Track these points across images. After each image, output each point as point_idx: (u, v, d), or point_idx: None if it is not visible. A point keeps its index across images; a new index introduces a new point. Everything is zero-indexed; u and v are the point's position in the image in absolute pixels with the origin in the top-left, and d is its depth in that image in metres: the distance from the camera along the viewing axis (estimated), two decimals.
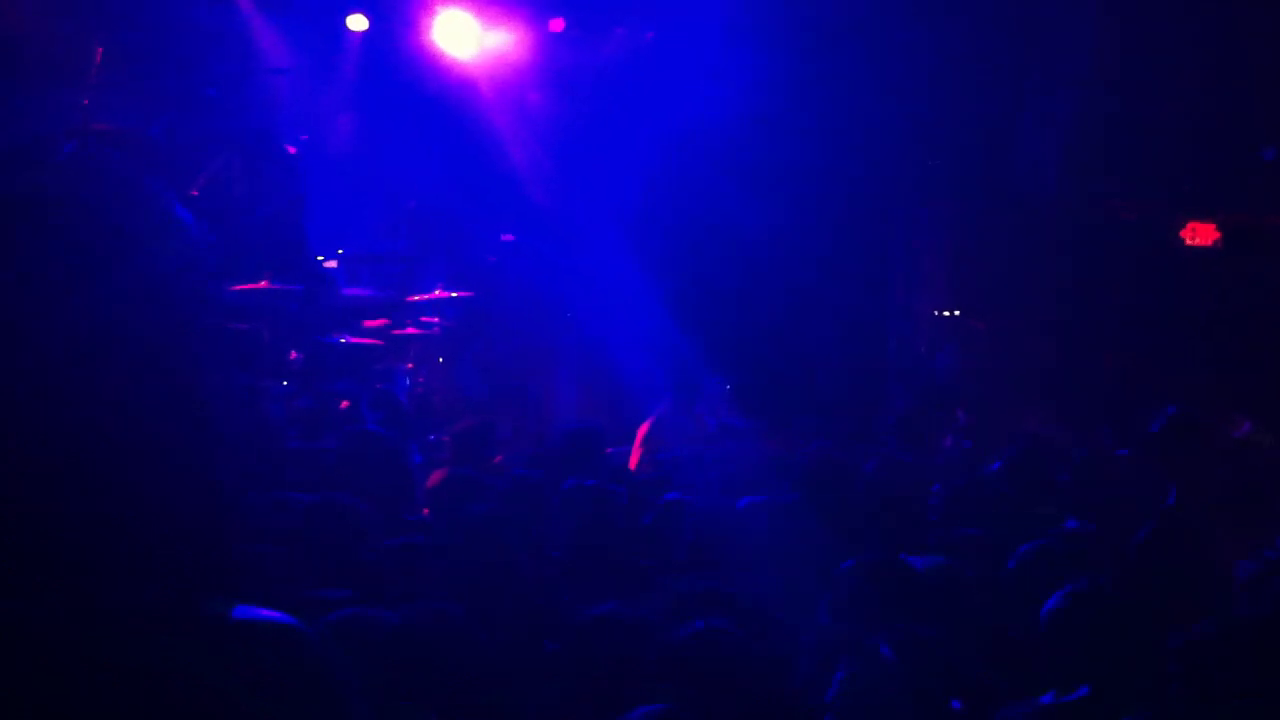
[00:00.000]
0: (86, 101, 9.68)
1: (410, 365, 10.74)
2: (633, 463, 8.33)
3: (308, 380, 9.95)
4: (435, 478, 6.81)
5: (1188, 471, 5.47)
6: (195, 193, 10.08)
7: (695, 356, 10.46)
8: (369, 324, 10.64)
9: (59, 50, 9.69)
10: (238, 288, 9.81)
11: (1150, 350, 10.15)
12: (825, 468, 6.19)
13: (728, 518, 5.52)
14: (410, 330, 10.84)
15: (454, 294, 10.93)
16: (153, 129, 10.17)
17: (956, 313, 11.55)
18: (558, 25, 11.79)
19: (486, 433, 7.60)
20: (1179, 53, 10.37)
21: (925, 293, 11.90)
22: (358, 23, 11.58)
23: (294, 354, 10.16)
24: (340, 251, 11.20)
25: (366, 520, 4.93)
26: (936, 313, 11.68)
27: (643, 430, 8.68)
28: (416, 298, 11.06)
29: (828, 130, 11.09)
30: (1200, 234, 10.73)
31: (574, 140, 11.72)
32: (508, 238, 11.75)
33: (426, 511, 6.30)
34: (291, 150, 10.80)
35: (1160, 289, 10.51)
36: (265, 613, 1.49)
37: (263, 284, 9.80)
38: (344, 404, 9.52)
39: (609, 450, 7.91)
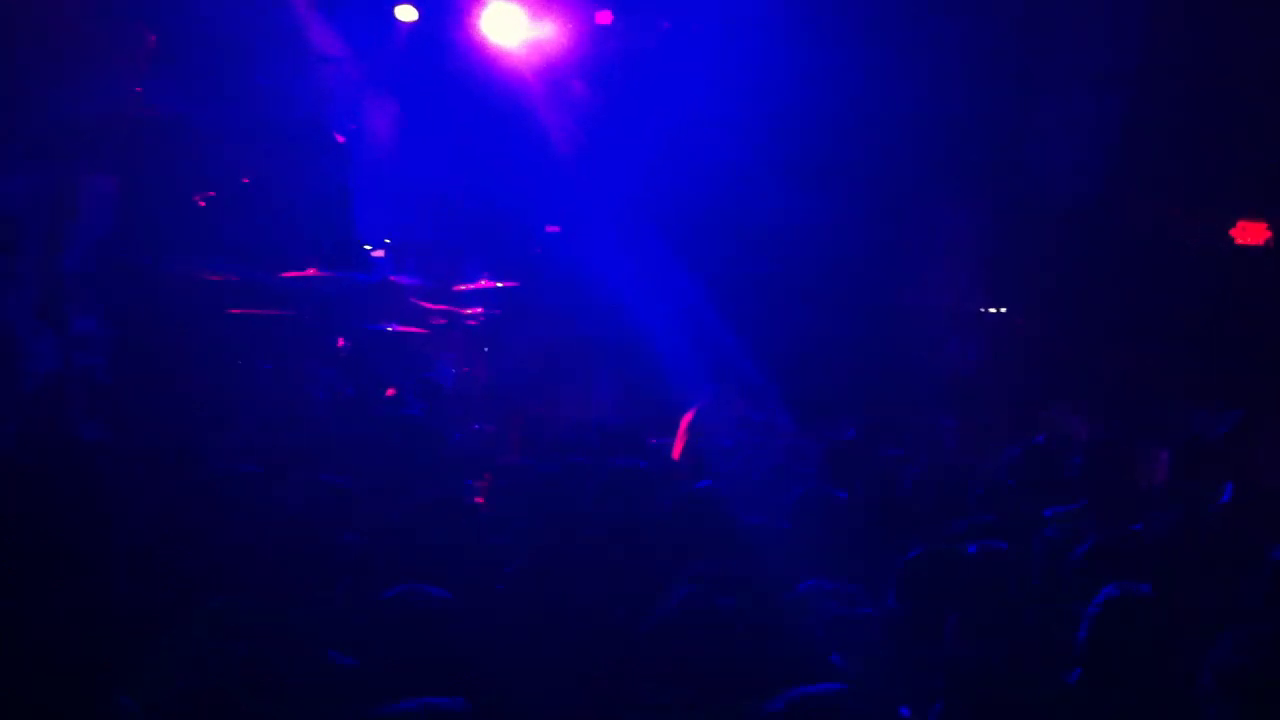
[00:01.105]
0: (139, 89, 9.82)
1: (454, 354, 10.82)
2: (675, 453, 8.35)
3: (354, 368, 10.06)
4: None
5: (1247, 472, 5.47)
6: (245, 180, 10.20)
7: (736, 349, 10.48)
8: (430, 307, 10.75)
9: (112, 37, 9.81)
10: (286, 275, 9.92)
11: (1180, 347, 10.07)
12: (853, 458, 6.20)
13: (755, 507, 5.55)
14: (455, 319, 10.92)
15: (499, 284, 10.99)
16: (203, 117, 10.28)
17: (987, 310, 11.51)
18: (605, 17, 11.83)
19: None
20: (1203, 50, 10.27)
21: (954, 289, 11.86)
22: (407, 13, 11.67)
23: (341, 341, 10.26)
24: (387, 241, 11.29)
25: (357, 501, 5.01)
26: (966, 309, 11.64)
27: (685, 421, 8.70)
28: (461, 287, 11.14)
29: (866, 124, 11.07)
30: (1250, 233, 10.64)
31: (618, 132, 11.75)
32: (552, 228, 11.80)
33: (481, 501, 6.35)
34: (340, 139, 10.91)
35: (1182, 288, 10.42)
36: None
37: (310, 271, 9.90)
38: (390, 391, 9.61)
39: (653, 441, 7.97)
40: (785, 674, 3.38)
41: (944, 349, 11.69)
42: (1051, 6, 11.30)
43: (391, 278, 11.00)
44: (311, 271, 9.92)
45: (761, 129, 11.13)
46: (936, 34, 11.04)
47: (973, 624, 3.64)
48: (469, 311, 11.02)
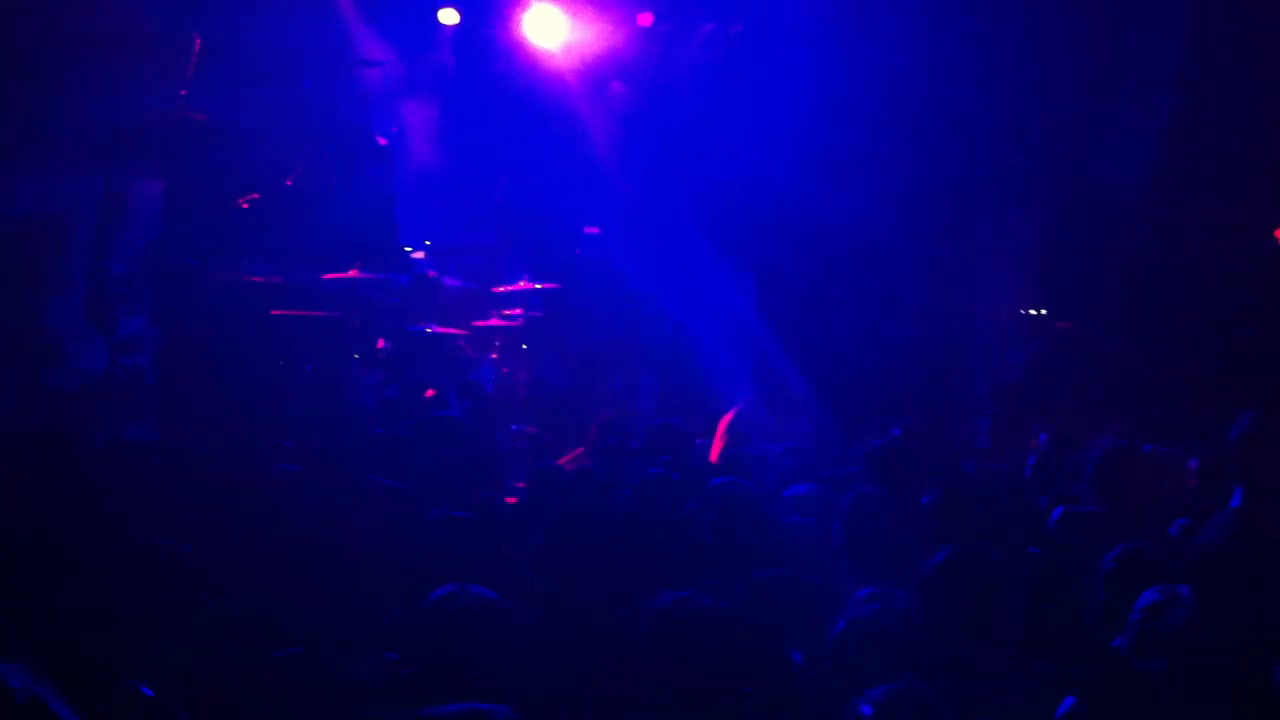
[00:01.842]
0: (184, 91, 9.92)
1: (495, 355, 10.86)
2: (714, 455, 8.36)
3: (395, 369, 10.12)
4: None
5: (1264, 476, 5.40)
6: (289, 183, 10.28)
7: (778, 351, 10.46)
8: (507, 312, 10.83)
9: (158, 42, 9.92)
10: (329, 277, 9.99)
11: (1241, 354, 9.96)
12: (888, 457, 6.15)
13: (776, 505, 5.55)
14: (495, 321, 10.97)
15: (539, 285, 11.03)
16: (248, 121, 10.37)
17: (1042, 311, 11.43)
18: (646, 19, 11.84)
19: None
20: (1253, 52, 10.16)
21: (1011, 292, 11.78)
22: (449, 16, 11.73)
23: (381, 342, 10.33)
24: (427, 243, 11.35)
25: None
26: (1022, 311, 11.56)
27: (724, 422, 8.71)
28: (502, 289, 11.18)
29: (915, 125, 11.02)
30: None
31: (659, 133, 11.76)
32: (592, 230, 11.82)
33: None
34: (382, 142, 10.97)
35: (1253, 293, 10.30)
36: None
37: (352, 273, 9.97)
38: (430, 392, 9.67)
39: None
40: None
41: (992, 353, 11.63)
42: (1102, 9, 11.21)
43: (431, 273, 11.04)
44: (353, 273, 9.98)
45: (806, 130, 11.09)
46: (988, 35, 10.98)
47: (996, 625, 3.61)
48: (509, 313, 11.06)
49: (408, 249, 11.16)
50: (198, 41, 9.94)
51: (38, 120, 9.61)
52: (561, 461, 8.93)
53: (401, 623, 3.83)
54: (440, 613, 3.65)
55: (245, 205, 10.03)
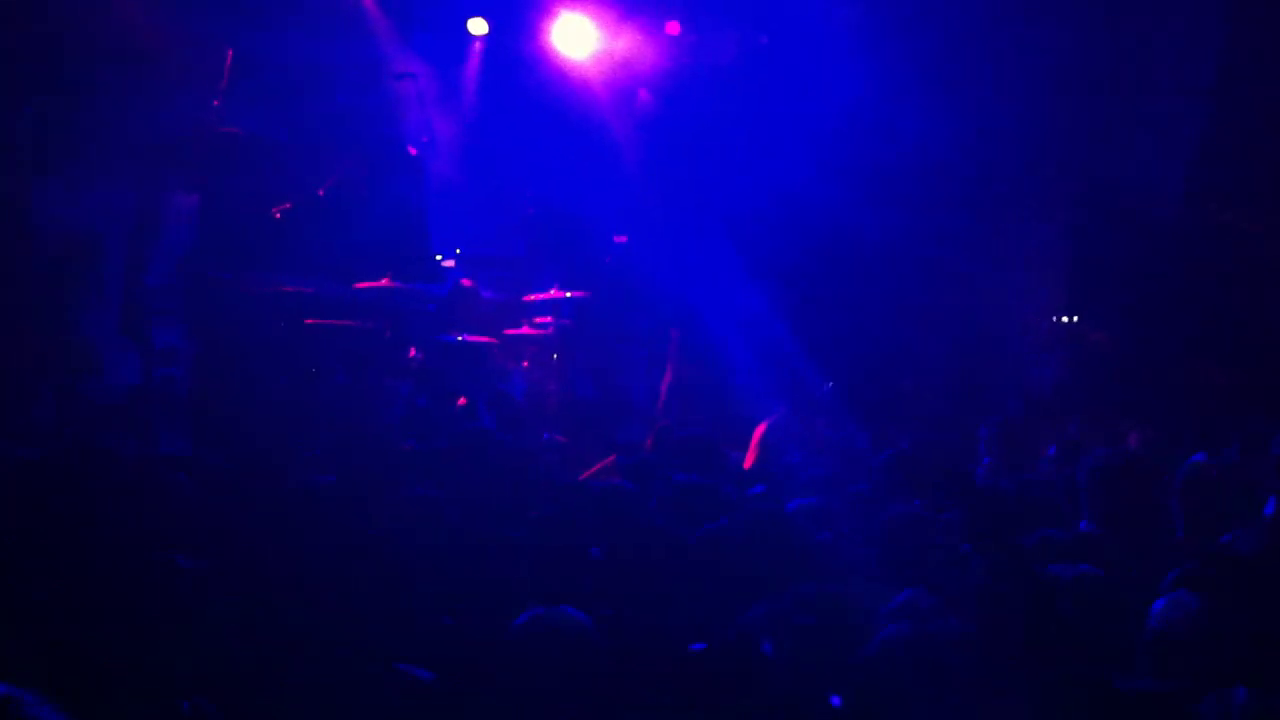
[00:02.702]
0: (217, 103, 10.00)
1: (525, 364, 10.88)
2: (747, 464, 8.35)
3: (426, 379, 10.16)
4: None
5: None
6: (321, 194, 10.35)
7: (810, 363, 10.44)
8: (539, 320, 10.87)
9: (192, 55, 10.00)
10: (361, 286, 10.05)
11: (1274, 362, 9.88)
12: (905, 467, 6.15)
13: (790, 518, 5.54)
14: (525, 330, 10.99)
15: (569, 294, 11.05)
16: (281, 132, 10.44)
17: (1073, 319, 11.37)
18: (673, 29, 11.85)
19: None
20: None
21: (1040, 301, 11.73)
22: (478, 27, 11.79)
23: (413, 352, 10.37)
24: (458, 251, 11.39)
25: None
26: (1053, 319, 11.51)
27: (758, 433, 8.70)
28: (532, 297, 11.21)
29: (944, 134, 10.99)
30: None
31: (688, 142, 11.77)
32: (620, 239, 11.84)
33: None
34: (413, 152, 11.03)
35: (1265, 300, 10.23)
36: None
37: (384, 282, 10.02)
38: (461, 401, 9.70)
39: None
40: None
41: (1023, 361, 11.58)
42: (1135, 17, 11.15)
43: (465, 281, 11.07)
44: (385, 282, 10.03)
45: (835, 140, 11.08)
46: (1019, 44, 10.94)
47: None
48: (540, 320, 11.08)
49: (439, 258, 11.21)
50: (230, 55, 10.01)
51: (74, 135, 9.71)
52: (590, 472, 8.96)
53: (489, 642, 3.77)
54: (532, 635, 3.59)
55: (278, 216, 10.10)
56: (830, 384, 10.35)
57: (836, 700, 3.39)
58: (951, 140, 11.05)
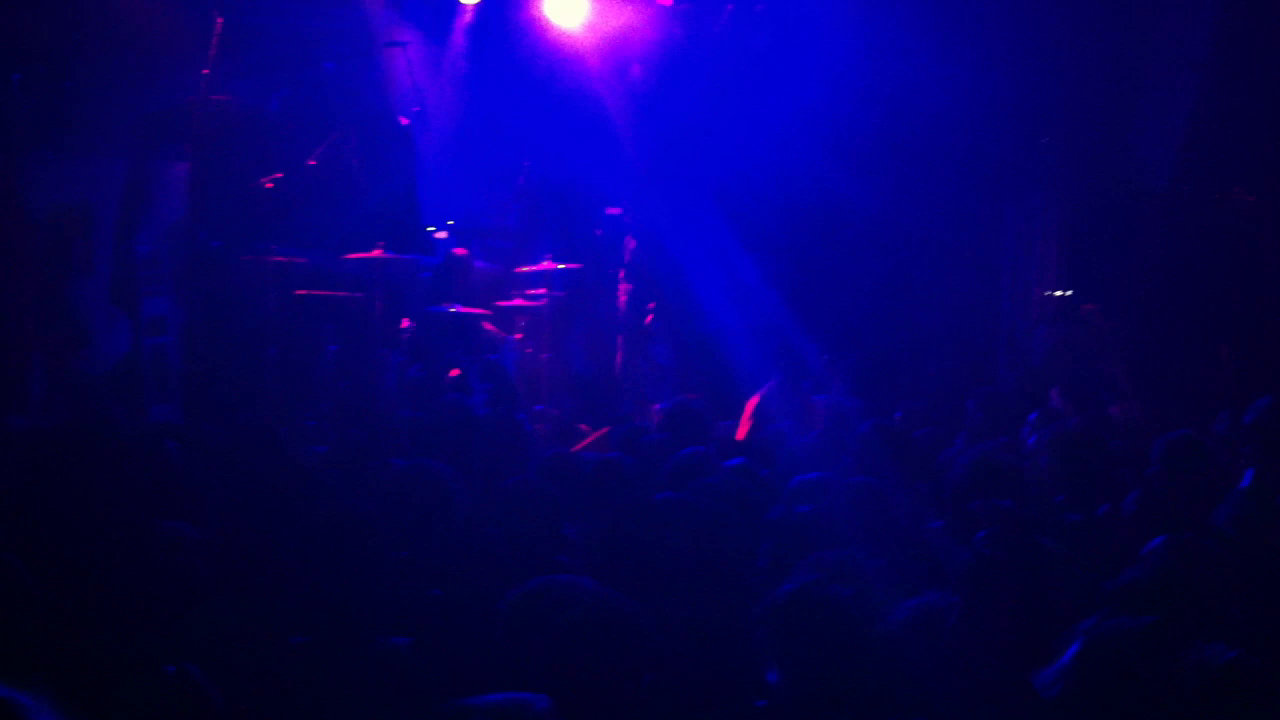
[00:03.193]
0: (206, 72, 9.94)
1: (518, 336, 10.87)
2: (740, 434, 8.37)
3: (418, 349, 10.15)
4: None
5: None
6: (311, 163, 10.31)
7: (803, 335, 10.45)
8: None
9: (182, 26, 9.95)
10: (352, 257, 10.03)
11: (1265, 339, 9.90)
12: (889, 443, 6.17)
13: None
14: (518, 301, 10.97)
15: (561, 265, 11.03)
16: (271, 102, 10.40)
17: (1067, 293, 11.38)
18: None
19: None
20: None
21: (1037, 275, 11.75)
22: None
23: (406, 323, 10.36)
24: (450, 223, 11.36)
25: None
26: (1046, 293, 11.53)
27: (751, 404, 8.72)
28: (525, 269, 11.19)
29: (938, 106, 10.97)
30: None
31: (681, 114, 11.72)
32: (613, 210, 11.81)
33: None
34: (404, 122, 10.99)
35: (1267, 278, 10.24)
36: None
37: (375, 253, 9.99)
38: (454, 372, 9.70)
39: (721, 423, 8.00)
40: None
41: (1017, 335, 11.60)
42: None
43: (457, 250, 11.04)
44: (377, 253, 10.01)
45: (829, 112, 11.04)
46: (1013, 19, 10.91)
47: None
48: (532, 293, 11.06)
49: (431, 229, 11.18)
50: (219, 23, 9.95)
51: (63, 107, 9.66)
52: (582, 445, 8.97)
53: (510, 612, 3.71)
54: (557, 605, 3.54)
55: (269, 186, 10.06)
56: (828, 355, 10.36)
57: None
58: (945, 112, 11.02)
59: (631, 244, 11.29)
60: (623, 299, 11.26)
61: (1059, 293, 11.51)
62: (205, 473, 5.59)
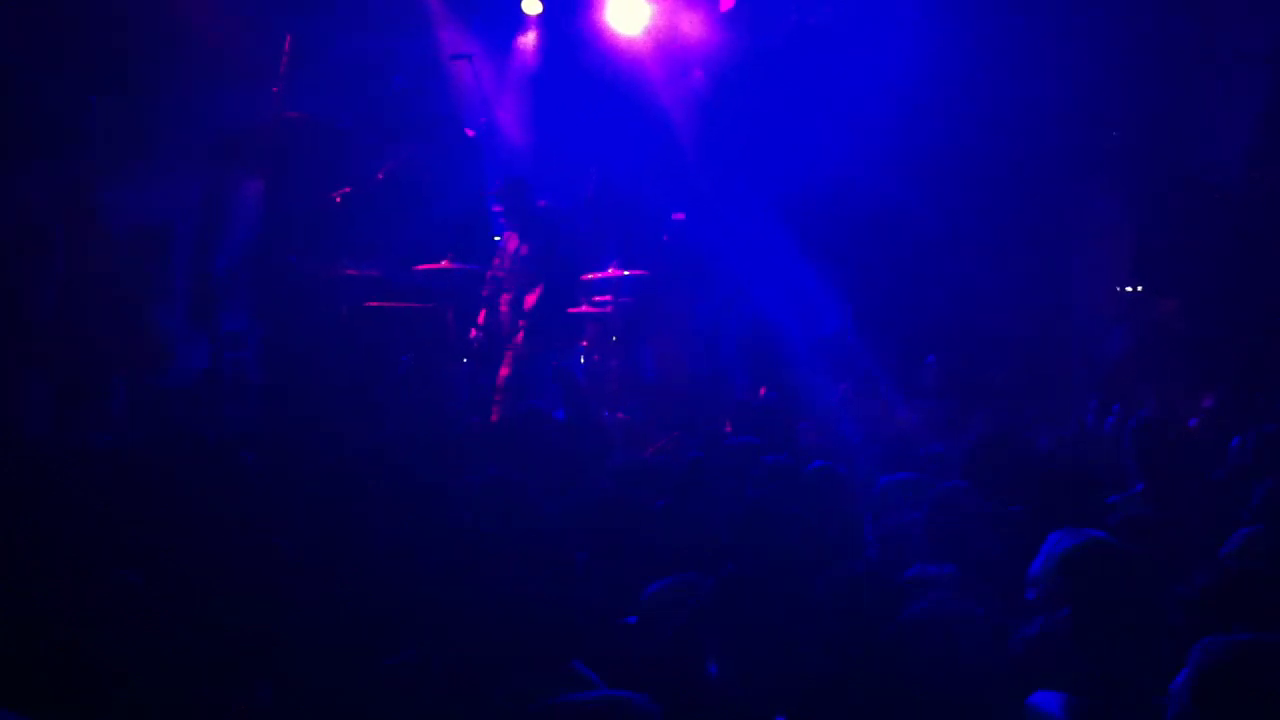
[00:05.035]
0: (277, 90, 10.10)
1: (584, 343, 10.92)
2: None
3: (488, 358, 10.22)
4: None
5: None
6: (380, 177, 10.44)
7: (874, 340, 10.42)
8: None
9: (249, 41, 10.09)
10: (422, 268, 10.14)
11: None
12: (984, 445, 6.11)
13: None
14: (585, 308, 11.01)
15: (627, 272, 11.06)
16: (343, 118, 10.54)
17: (1139, 288, 11.24)
18: (727, 4, 11.81)
19: None
20: None
21: (1107, 272, 11.62)
22: (532, 6, 11.81)
23: (474, 332, 10.44)
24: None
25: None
26: (1118, 289, 11.40)
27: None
28: (591, 276, 11.23)
29: (1003, 108, 10.89)
30: None
31: (742, 121, 11.73)
32: (678, 216, 11.82)
33: None
34: (471, 134, 11.09)
35: None
36: None
37: (444, 263, 10.10)
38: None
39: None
40: None
41: (1090, 333, 11.48)
42: None
43: None
44: (445, 264, 10.11)
45: (892, 117, 10.99)
46: (1075, 17, 10.81)
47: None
48: (599, 299, 11.10)
49: (498, 239, 11.26)
50: (288, 41, 10.10)
51: (139, 129, 9.84)
52: (655, 449, 8.98)
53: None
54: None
55: (339, 200, 10.20)
56: (931, 358, 10.32)
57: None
58: (1010, 114, 10.94)
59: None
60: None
61: (1130, 289, 11.38)
62: (283, 484, 5.66)
